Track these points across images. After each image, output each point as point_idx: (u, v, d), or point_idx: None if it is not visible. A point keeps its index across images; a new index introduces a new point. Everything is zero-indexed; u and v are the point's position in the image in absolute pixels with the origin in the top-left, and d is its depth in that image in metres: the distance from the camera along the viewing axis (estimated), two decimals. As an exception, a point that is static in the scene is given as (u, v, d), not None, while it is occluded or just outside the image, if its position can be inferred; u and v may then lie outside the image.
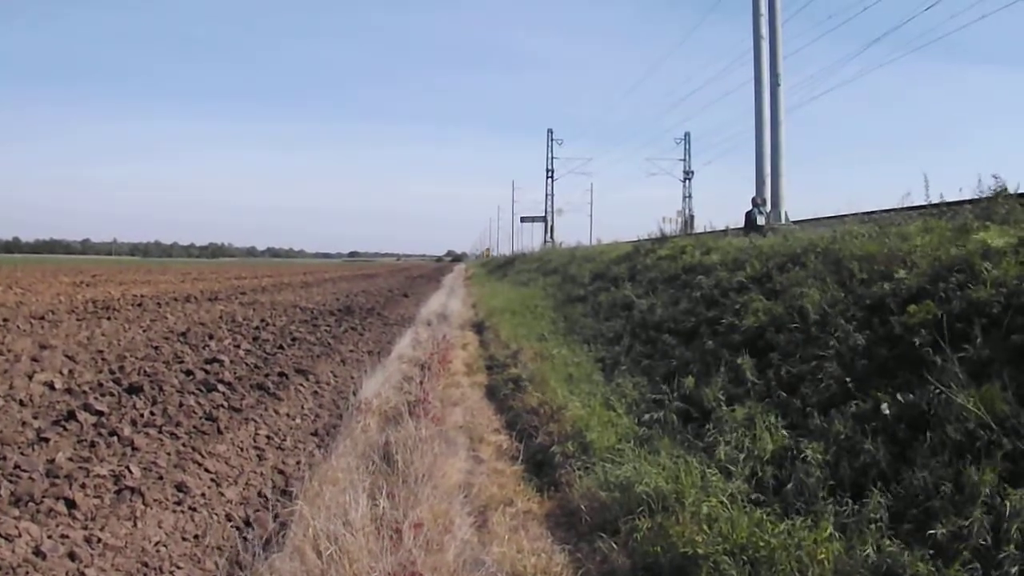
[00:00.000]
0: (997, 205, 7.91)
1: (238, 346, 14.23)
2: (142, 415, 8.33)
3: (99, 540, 5.15)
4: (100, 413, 8.12)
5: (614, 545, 5.33)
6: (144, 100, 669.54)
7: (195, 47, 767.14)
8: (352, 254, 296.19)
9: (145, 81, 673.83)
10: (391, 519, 5.42)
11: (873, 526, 4.47)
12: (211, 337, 15.30)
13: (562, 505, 6.48)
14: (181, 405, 8.83)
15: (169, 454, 7.10)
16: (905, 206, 10.36)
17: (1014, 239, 6.29)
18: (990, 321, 5.45)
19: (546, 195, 65.31)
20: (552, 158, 64.64)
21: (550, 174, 64.88)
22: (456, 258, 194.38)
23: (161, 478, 6.42)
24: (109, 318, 18.22)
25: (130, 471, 6.36)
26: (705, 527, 4.94)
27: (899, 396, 5.40)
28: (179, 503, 6.06)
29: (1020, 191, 8.32)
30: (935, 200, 9.49)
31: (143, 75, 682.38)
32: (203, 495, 6.33)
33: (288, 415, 9.37)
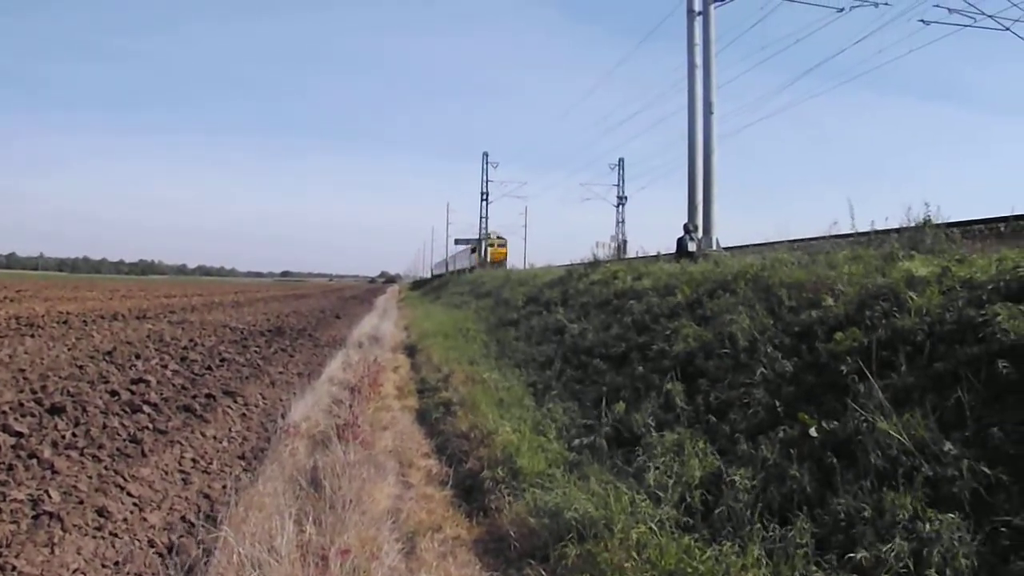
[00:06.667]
0: (923, 234, 8.14)
1: (165, 366, 13.95)
2: (64, 437, 8.14)
3: (13, 568, 4.99)
4: (19, 434, 7.95)
5: (543, 572, 5.29)
6: (72, 112, 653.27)
7: (124, 57, 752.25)
8: (284, 274, 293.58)
9: (73, 92, 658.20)
10: (317, 545, 5.36)
11: (799, 551, 4.50)
12: (138, 357, 15.01)
13: (491, 531, 6.42)
14: (105, 427, 8.65)
15: (91, 477, 6.95)
16: (834, 234, 10.60)
17: (938, 268, 6.47)
18: (914, 349, 5.57)
19: (481, 218, 65.29)
20: (487, 181, 64.67)
21: (485, 197, 64.92)
22: (390, 279, 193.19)
23: (82, 502, 6.27)
24: (32, 335, 17.80)
25: (49, 495, 6.23)
26: (634, 554, 4.92)
27: (824, 423, 5.47)
28: (100, 528, 5.91)
29: (946, 221, 8.58)
30: (864, 228, 9.74)
31: (70, 86, 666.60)
32: (125, 520, 6.18)
33: (215, 438, 9.19)
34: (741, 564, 4.53)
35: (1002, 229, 8.78)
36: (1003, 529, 3.95)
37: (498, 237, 65.12)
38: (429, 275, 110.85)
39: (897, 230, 8.91)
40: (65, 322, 22.00)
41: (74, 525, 5.76)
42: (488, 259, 61.03)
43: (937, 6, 17.68)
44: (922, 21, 17.58)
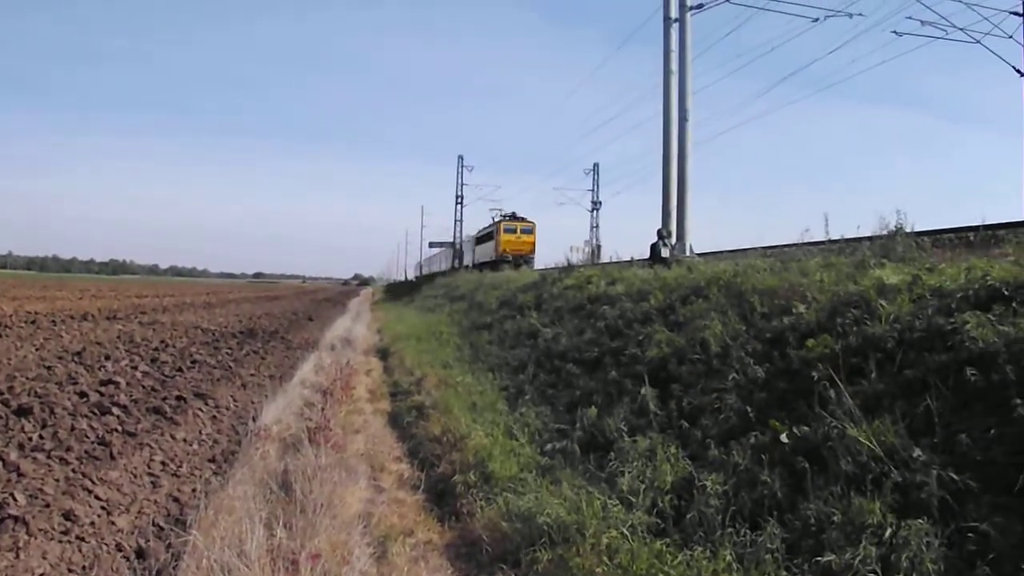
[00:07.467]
0: (894, 243, 8.22)
1: (135, 368, 13.76)
2: (30, 439, 8.03)
3: (-24, 573, 4.87)
4: (-15, 436, 7.76)
5: (514, 577, 5.28)
6: (44, 111, 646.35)
7: (96, 56, 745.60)
8: (257, 275, 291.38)
9: (45, 92, 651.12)
10: (288, 550, 5.31)
11: (769, 556, 4.52)
12: (108, 358, 14.84)
13: (463, 536, 6.40)
14: (73, 429, 8.53)
15: (58, 480, 6.84)
16: (807, 241, 10.69)
17: (908, 276, 6.53)
18: (884, 356, 5.62)
19: (455, 221, 64.99)
20: (462, 184, 64.37)
21: (460, 200, 64.67)
22: (363, 282, 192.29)
23: (48, 506, 6.17)
24: None
25: (14, 498, 6.12)
26: (606, 559, 4.92)
27: (795, 429, 5.50)
28: (66, 532, 5.81)
29: (916, 229, 8.68)
30: (835, 236, 9.83)
31: (42, 85, 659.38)
32: (93, 524, 6.08)
33: (185, 440, 9.07)
34: (712, 569, 4.55)
35: (971, 238, 8.88)
36: (970, 535, 3.98)
37: (522, 220, 45.91)
38: (403, 277, 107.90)
39: (869, 238, 9.01)
40: (33, 322, 21.77)
41: (40, 529, 5.66)
42: (503, 250, 42.52)
43: (910, 18, 17.99)
44: (895, 32, 17.86)
